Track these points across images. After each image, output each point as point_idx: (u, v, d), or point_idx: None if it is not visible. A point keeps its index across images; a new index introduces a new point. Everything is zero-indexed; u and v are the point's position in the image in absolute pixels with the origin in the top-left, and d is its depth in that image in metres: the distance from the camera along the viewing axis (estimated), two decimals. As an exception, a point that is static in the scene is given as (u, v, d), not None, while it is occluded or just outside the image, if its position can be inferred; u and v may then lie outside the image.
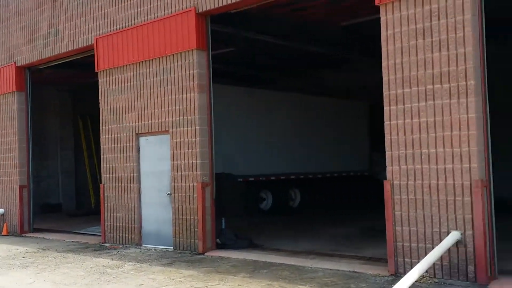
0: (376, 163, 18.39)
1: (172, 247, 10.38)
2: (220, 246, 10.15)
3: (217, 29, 13.01)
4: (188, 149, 10.02)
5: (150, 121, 10.78)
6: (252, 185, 15.72)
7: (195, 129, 9.93)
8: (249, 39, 14.14)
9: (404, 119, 7.47)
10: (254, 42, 14.38)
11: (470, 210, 6.83)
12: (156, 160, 10.75)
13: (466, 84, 6.90)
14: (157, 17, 10.62)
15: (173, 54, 10.31)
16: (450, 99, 7.04)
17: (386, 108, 7.67)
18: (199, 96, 9.92)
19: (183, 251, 10.11)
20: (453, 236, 6.86)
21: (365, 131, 19.48)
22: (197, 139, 9.90)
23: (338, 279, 7.42)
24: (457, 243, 6.90)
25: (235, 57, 18.01)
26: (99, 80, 12.01)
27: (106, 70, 11.81)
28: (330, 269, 8.03)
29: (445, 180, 7.05)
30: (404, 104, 7.48)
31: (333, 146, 18.02)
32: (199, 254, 9.81)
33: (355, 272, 7.78)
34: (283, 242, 10.80)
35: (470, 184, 6.82)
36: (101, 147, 11.93)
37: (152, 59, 10.72)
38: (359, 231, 12.14)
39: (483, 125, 6.98)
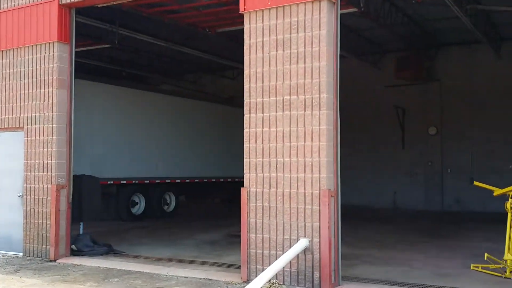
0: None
1: (21, 253, 9.61)
2: (75, 253, 9.57)
3: (88, 23, 12.42)
4: (44, 148, 9.34)
5: (3, 116, 9.91)
6: (123, 188, 15.15)
7: (52, 126, 9.28)
8: (126, 36, 13.72)
9: (263, 128, 7.56)
10: (130, 40, 13.97)
11: (318, 219, 7.05)
12: (8, 159, 9.90)
13: (319, 97, 7.13)
14: (17, 5, 9.82)
15: (32, 46, 9.57)
16: (305, 110, 7.24)
17: (246, 116, 7.72)
18: (58, 92, 9.29)
19: (34, 258, 9.40)
20: (301, 243, 7.04)
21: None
22: (54, 137, 9.25)
23: (190, 287, 7.29)
24: (305, 250, 7.09)
25: (114, 54, 17.38)
26: (-51, 68, 10.84)
27: (-43, 57, 10.69)
28: (185, 277, 7.89)
29: (297, 188, 7.23)
30: (263, 113, 7.57)
31: (212, 152, 17.96)
32: (51, 261, 9.17)
33: (209, 279, 7.71)
34: (147, 248, 10.46)
35: (319, 193, 7.05)
36: None
37: (9, 50, 9.88)
38: (226, 237, 12.14)
39: (333, 137, 7.26)
